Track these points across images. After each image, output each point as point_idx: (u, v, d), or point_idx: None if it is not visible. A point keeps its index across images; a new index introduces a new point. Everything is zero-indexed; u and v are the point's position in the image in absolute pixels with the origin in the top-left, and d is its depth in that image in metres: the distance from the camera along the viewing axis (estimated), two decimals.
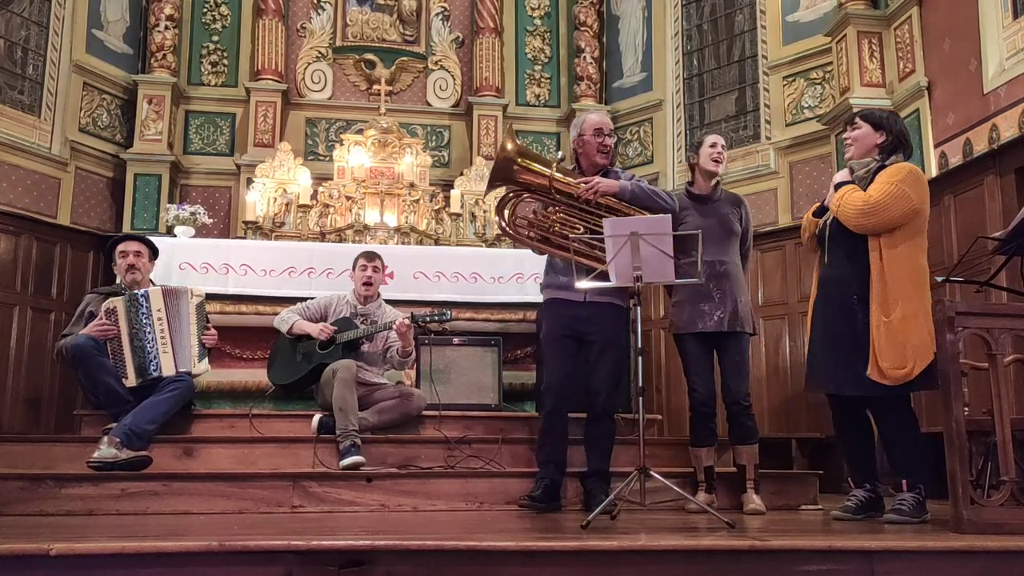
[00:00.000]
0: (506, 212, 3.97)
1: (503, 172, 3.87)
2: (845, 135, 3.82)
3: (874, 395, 3.53)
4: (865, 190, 3.58)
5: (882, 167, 3.64)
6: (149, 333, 4.48)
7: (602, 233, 3.71)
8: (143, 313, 4.49)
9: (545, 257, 4.08)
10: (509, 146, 3.89)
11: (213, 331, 4.74)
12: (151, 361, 4.45)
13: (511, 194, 3.97)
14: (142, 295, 4.53)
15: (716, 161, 4.15)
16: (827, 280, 3.70)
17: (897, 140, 3.70)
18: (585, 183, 3.87)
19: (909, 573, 2.48)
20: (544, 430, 3.98)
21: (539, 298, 4.61)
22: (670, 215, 3.69)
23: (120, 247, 4.75)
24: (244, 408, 4.87)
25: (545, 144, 9.34)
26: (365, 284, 4.95)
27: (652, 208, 3.84)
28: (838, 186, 3.68)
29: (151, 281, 4.83)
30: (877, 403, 3.59)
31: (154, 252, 4.86)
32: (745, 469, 4.01)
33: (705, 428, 4.07)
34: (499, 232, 4.14)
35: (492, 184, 3.97)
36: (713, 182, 4.18)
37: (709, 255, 3.95)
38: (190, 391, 4.57)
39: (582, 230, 3.86)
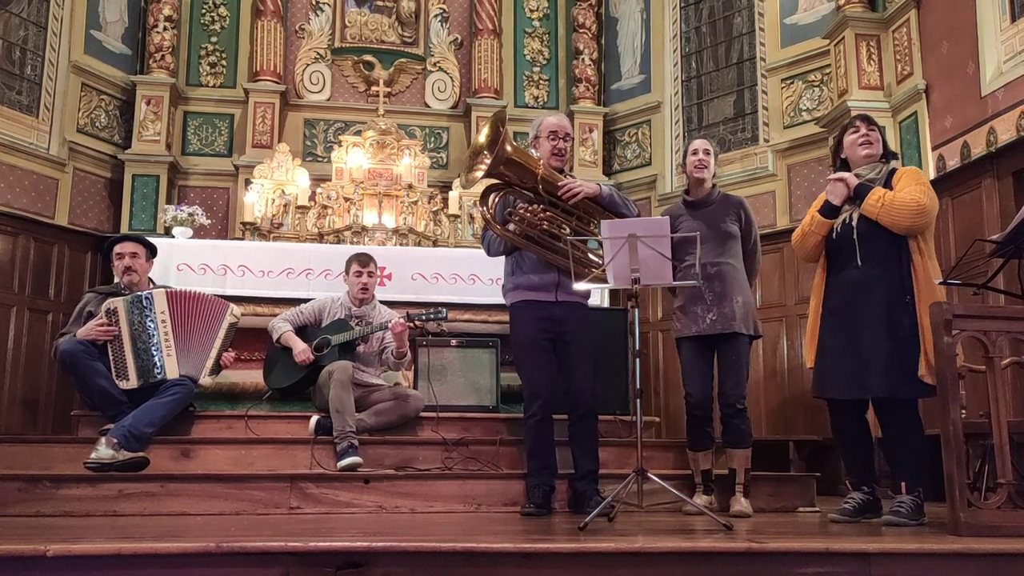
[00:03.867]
0: (490, 201, 3.96)
1: (498, 158, 3.77)
2: (864, 131, 3.73)
3: (921, 396, 3.50)
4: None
5: (893, 170, 3.70)
6: (153, 335, 4.45)
7: (588, 235, 3.72)
8: (147, 315, 4.46)
9: (502, 258, 4.09)
10: (502, 129, 3.82)
11: (233, 354, 4.75)
12: (154, 364, 4.43)
13: (497, 185, 3.94)
14: (146, 296, 4.49)
15: (700, 167, 4.13)
16: (859, 282, 3.59)
17: (889, 152, 3.83)
18: (565, 185, 3.87)
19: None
20: (535, 437, 3.95)
21: None
22: (667, 218, 3.70)
23: (117, 248, 4.71)
24: (241, 409, 4.87)
25: None
26: (362, 290, 4.93)
27: (624, 215, 3.91)
28: (861, 187, 3.62)
29: (151, 281, 4.81)
30: (889, 406, 3.58)
31: (152, 251, 4.82)
32: (735, 473, 4.00)
33: (701, 432, 4.08)
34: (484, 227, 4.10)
35: (489, 170, 3.82)
36: (707, 187, 4.17)
37: (701, 257, 3.95)
38: (190, 395, 4.54)
39: (569, 231, 3.87)
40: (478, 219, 8.16)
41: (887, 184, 3.65)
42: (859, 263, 3.60)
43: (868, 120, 3.81)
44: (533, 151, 4.06)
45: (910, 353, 3.46)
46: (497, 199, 3.97)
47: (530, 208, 3.85)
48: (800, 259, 3.98)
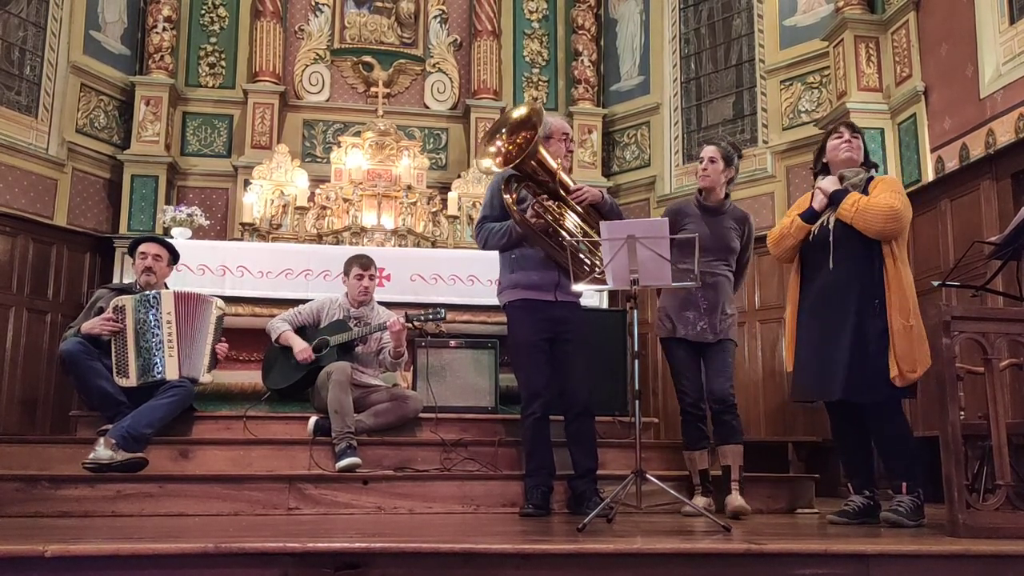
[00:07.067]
0: (513, 194, 3.96)
1: (531, 153, 3.80)
2: (848, 137, 3.79)
3: (882, 399, 3.53)
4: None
5: (871, 178, 3.75)
6: (157, 335, 4.46)
7: (591, 237, 3.72)
8: (153, 314, 4.47)
9: (496, 255, 4.11)
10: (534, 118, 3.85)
11: (225, 344, 4.77)
12: (155, 363, 4.43)
13: (518, 176, 3.95)
14: (153, 296, 4.51)
15: (701, 177, 4.18)
16: (832, 285, 3.64)
17: (870, 161, 3.89)
18: (579, 189, 3.92)
19: None
20: (533, 437, 3.95)
21: None
22: (667, 220, 3.71)
23: (142, 247, 4.75)
24: (240, 410, 4.87)
25: None
26: (362, 293, 4.93)
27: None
28: (837, 193, 3.67)
29: (166, 285, 4.82)
30: (874, 410, 3.59)
31: (174, 257, 4.86)
32: (730, 470, 4.01)
33: (697, 430, 4.09)
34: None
35: (520, 157, 3.82)
36: (720, 194, 4.19)
37: (701, 264, 3.97)
38: (190, 397, 4.55)
39: (580, 231, 3.89)
40: (476, 219, 8.16)
41: (864, 191, 3.70)
42: (831, 266, 3.65)
43: (852, 127, 3.89)
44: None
45: (876, 357, 3.50)
46: (518, 189, 3.97)
47: (550, 203, 3.88)
48: (775, 259, 4.02)
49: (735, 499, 3.92)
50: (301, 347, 4.79)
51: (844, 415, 3.72)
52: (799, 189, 7.91)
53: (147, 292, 4.55)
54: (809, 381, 3.71)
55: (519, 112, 3.93)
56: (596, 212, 3.96)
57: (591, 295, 5.61)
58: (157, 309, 4.49)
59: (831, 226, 3.68)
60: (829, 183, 3.73)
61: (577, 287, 3.74)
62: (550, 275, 3.91)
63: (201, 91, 9.04)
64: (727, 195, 4.24)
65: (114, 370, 4.40)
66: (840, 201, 3.64)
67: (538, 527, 3.36)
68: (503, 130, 3.91)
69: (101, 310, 4.53)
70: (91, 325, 4.44)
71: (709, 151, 4.20)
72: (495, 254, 4.18)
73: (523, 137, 3.82)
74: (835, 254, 3.64)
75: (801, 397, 3.85)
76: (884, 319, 3.51)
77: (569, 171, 4.16)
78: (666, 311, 4.14)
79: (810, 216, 3.75)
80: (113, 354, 4.42)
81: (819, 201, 3.73)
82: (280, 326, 4.93)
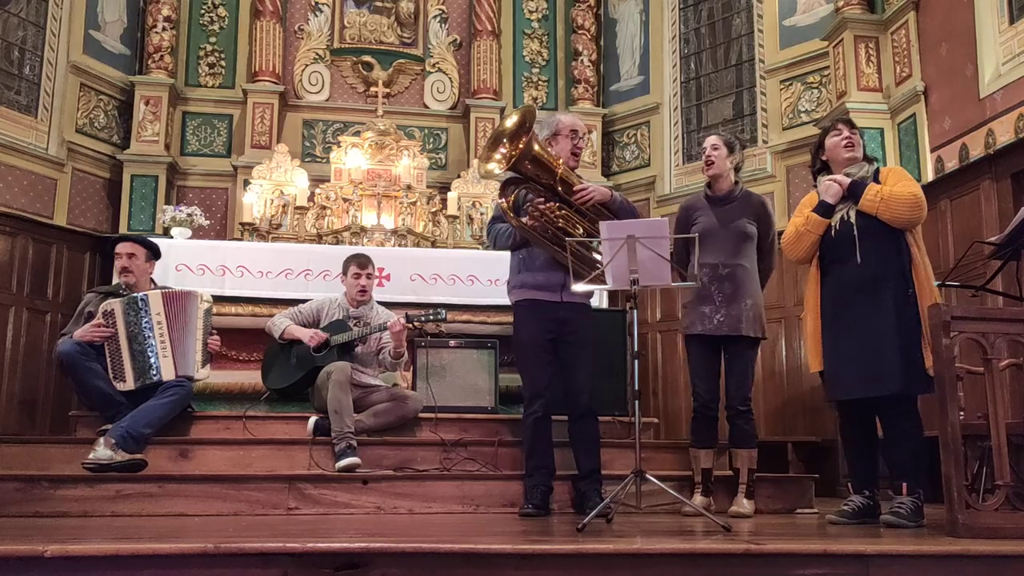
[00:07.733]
0: (510, 193, 3.95)
1: (525, 153, 3.79)
2: (847, 134, 3.75)
3: (926, 391, 3.49)
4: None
5: (877, 170, 3.74)
6: (149, 337, 4.44)
7: (595, 238, 3.72)
8: (143, 316, 4.45)
9: (507, 255, 4.10)
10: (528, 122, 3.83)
11: (217, 337, 4.74)
12: (151, 365, 4.42)
13: (516, 179, 3.94)
14: (141, 298, 4.49)
15: (706, 165, 4.15)
16: (862, 279, 3.58)
17: (868, 156, 3.86)
18: (582, 188, 3.89)
19: None
20: (534, 436, 3.95)
21: None
22: (666, 219, 3.71)
23: (117, 248, 4.72)
24: (240, 410, 4.86)
25: None
26: (360, 292, 4.93)
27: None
28: (856, 185, 3.63)
29: (152, 282, 4.80)
30: (895, 405, 3.57)
31: (154, 253, 4.81)
32: (739, 473, 4.01)
33: (706, 429, 4.08)
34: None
35: (511, 160, 3.81)
36: (727, 182, 4.14)
37: (713, 257, 3.96)
38: (188, 396, 4.55)
39: (582, 231, 3.88)
40: (477, 220, 8.17)
41: (874, 182, 3.68)
42: (859, 259, 3.59)
43: (850, 123, 3.84)
44: (549, 148, 4.05)
45: (916, 347, 3.47)
46: (516, 192, 3.96)
47: (548, 205, 3.86)
48: (792, 261, 3.95)
49: (739, 502, 3.94)
50: (310, 333, 4.79)
51: (860, 413, 3.69)
52: (799, 189, 7.91)
53: (135, 295, 4.52)
54: (853, 378, 3.58)
55: (512, 120, 3.89)
56: (606, 211, 3.93)
57: (593, 295, 5.61)
58: (147, 311, 4.47)
59: (852, 219, 3.63)
60: (843, 178, 3.69)
61: (577, 287, 3.73)
62: (556, 276, 3.90)
63: (201, 91, 9.04)
64: (736, 183, 4.18)
65: (111, 375, 4.39)
66: (860, 193, 3.60)
67: (538, 527, 3.37)
68: (504, 139, 3.88)
69: (91, 315, 4.50)
70: (83, 333, 4.41)
71: (711, 140, 4.18)
72: (494, 254, 4.19)
73: (523, 141, 3.82)
74: (862, 247, 3.59)
75: (844, 395, 3.68)
76: (917, 308, 3.50)
77: (574, 169, 4.12)
78: (687, 308, 4.13)
79: (825, 210, 3.69)
80: (108, 359, 4.41)
81: (834, 195, 3.67)
82: (282, 322, 4.93)
